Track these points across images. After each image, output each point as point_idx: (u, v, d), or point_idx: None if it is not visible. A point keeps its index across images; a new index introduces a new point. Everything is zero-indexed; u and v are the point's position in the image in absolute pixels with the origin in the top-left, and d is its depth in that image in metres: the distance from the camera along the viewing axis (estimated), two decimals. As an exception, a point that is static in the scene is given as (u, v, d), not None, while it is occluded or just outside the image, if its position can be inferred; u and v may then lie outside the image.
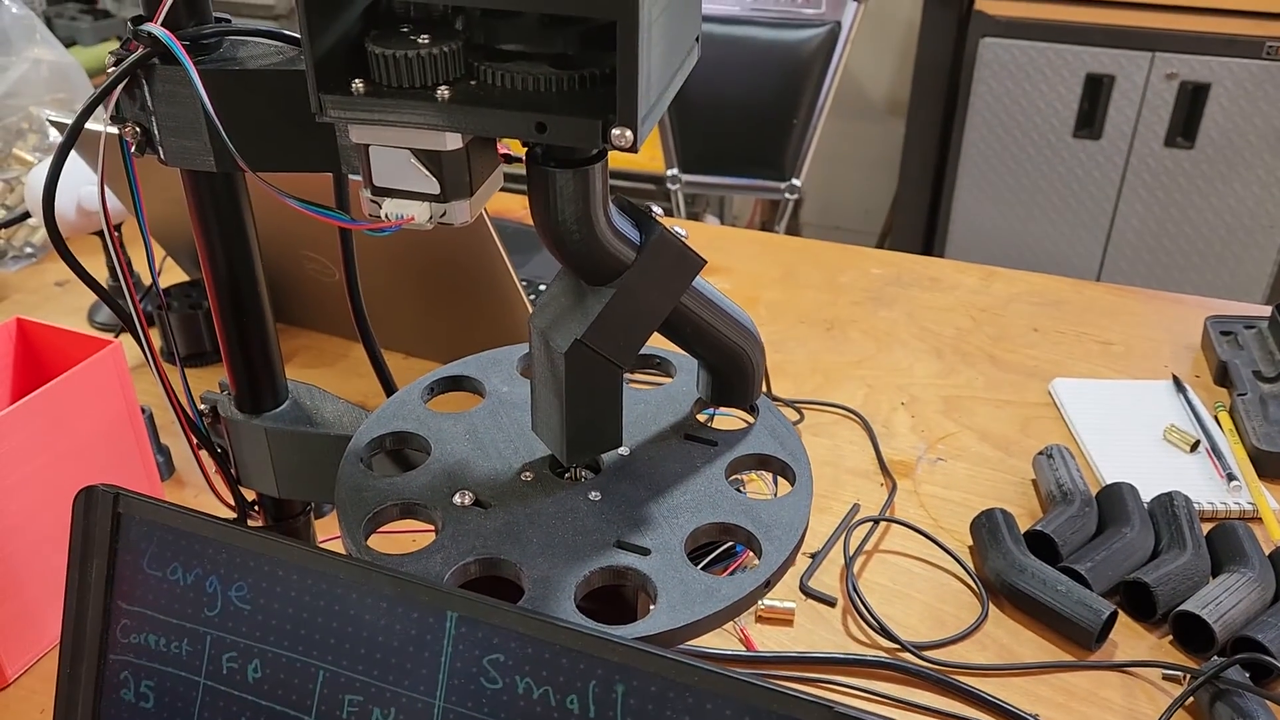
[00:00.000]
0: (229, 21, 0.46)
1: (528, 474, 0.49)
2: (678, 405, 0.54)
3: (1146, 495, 0.74)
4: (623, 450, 0.51)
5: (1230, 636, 0.63)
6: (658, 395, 0.55)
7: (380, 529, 0.48)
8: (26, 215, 1.14)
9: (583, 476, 0.49)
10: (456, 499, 0.47)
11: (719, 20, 1.79)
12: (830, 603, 0.69)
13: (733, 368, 0.51)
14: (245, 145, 0.44)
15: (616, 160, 0.39)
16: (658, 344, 0.52)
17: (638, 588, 0.44)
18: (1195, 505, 0.73)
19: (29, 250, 1.13)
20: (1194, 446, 0.81)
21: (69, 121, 0.86)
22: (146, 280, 1.05)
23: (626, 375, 0.50)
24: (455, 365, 0.57)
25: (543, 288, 1.00)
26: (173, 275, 1.02)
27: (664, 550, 0.45)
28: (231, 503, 0.59)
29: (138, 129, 0.46)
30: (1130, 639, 0.66)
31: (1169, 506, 0.72)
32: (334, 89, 0.39)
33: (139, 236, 0.52)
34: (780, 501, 0.48)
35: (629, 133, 0.37)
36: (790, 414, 0.87)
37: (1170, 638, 0.65)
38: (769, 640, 0.66)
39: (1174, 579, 0.66)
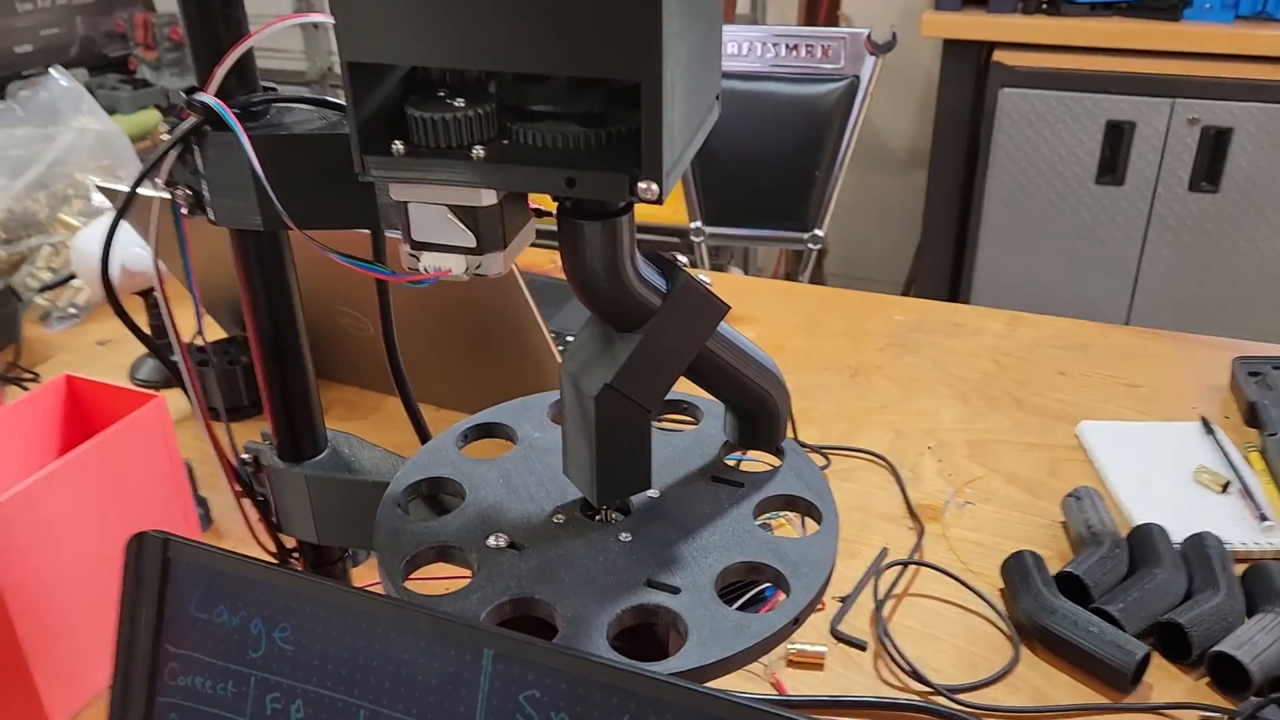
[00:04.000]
0: (275, 90, 0.49)
1: (559, 516, 0.51)
2: (705, 449, 0.55)
3: (1177, 537, 0.73)
4: (652, 492, 0.52)
5: (1266, 676, 0.62)
6: (685, 439, 0.56)
7: (417, 574, 0.49)
8: (71, 277, 1.18)
9: (613, 518, 0.51)
10: (491, 541, 0.49)
11: (740, 77, 1.82)
12: (861, 646, 0.69)
13: (758, 410, 0.53)
14: (290, 205, 0.46)
15: (641, 214, 0.40)
16: (686, 390, 0.54)
17: (669, 625, 0.45)
18: (1227, 546, 0.72)
19: (73, 311, 1.17)
20: (1225, 487, 0.81)
21: (116, 188, 0.90)
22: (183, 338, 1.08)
23: (655, 420, 0.51)
24: (488, 412, 0.59)
25: (570, 339, 1.02)
26: (210, 332, 1.05)
27: (694, 589, 0.46)
28: (273, 549, 0.60)
29: (189, 191, 0.49)
30: (1165, 681, 0.65)
31: (1201, 547, 0.72)
32: (376, 150, 0.41)
33: (178, 295, 0.54)
34: (807, 540, 0.49)
35: (654, 186, 0.39)
36: (817, 460, 0.88)
37: (1206, 679, 0.65)
38: (800, 685, 0.66)
39: (1208, 620, 0.66)
